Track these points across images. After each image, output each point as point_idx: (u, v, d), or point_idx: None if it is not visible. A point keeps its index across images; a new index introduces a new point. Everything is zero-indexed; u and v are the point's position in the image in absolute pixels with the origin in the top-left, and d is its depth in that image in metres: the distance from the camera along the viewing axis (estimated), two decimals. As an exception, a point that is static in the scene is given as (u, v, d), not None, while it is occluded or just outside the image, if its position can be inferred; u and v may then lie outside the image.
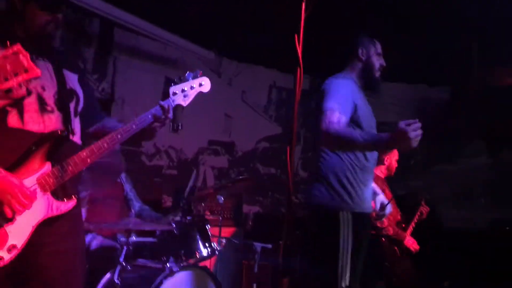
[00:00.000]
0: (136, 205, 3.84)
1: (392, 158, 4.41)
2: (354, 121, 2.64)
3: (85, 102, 2.06)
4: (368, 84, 2.81)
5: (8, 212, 1.68)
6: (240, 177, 5.10)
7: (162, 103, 2.06)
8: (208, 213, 4.40)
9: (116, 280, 2.97)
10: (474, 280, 4.59)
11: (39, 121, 1.83)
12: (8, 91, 1.77)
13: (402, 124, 2.21)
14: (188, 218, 3.54)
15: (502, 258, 4.47)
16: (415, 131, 2.24)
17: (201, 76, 2.21)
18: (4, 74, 1.50)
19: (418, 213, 4.33)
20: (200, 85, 2.19)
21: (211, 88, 2.28)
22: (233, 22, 5.04)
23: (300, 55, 1.61)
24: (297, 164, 6.62)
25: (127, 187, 4.01)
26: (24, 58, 1.51)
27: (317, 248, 2.71)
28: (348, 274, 2.53)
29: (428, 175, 6.31)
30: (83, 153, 1.86)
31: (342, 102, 2.58)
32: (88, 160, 1.86)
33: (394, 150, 4.40)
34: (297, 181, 6.55)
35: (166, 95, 2.12)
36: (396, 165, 4.43)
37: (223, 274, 4.47)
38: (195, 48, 5.71)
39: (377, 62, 2.84)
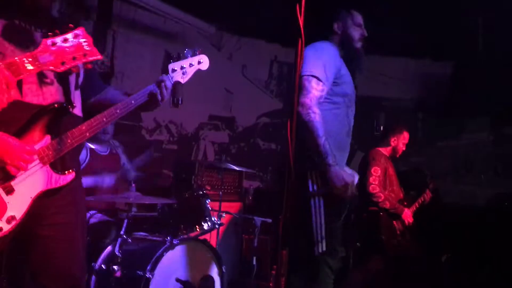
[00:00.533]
0: (133, 174, 3.89)
1: (400, 141, 4.38)
2: (338, 87, 2.66)
3: (85, 74, 2.03)
4: (347, 56, 2.77)
5: (11, 170, 1.68)
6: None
7: (160, 79, 2.06)
8: (209, 188, 4.41)
9: (117, 253, 3.00)
10: (473, 254, 4.62)
11: (38, 93, 1.81)
12: (29, 49, 1.77)
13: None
14: (188, 192, 3.55)
15: (503, 233, 4.50)
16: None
17: (200, 53, 2.23)
18: (61, 58, 1.52)
19: (422, 198, 4.33)
20: (199, 62, 2.20)
21: (211, 63, 2.29)
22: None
23: (301, 25, 1.57)
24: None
25: (123, 158, 4.04)
26: (86, 41, 1.54)
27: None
28: (323, 239, 2.51)
29: (431, 151, 6.30)
30: (83, 127, 1.85)
31: (327, 66, 2.58)
32: (87, 134, 1.86)
33: (404, 133, 4.38)
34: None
35: (165, 72, 2.13)
36: (404, 148, 4.41)
37: (224, 247, 4.51)
38: (196, 22, 5.64)
39: (356, 33, 2.81)
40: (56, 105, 1.80)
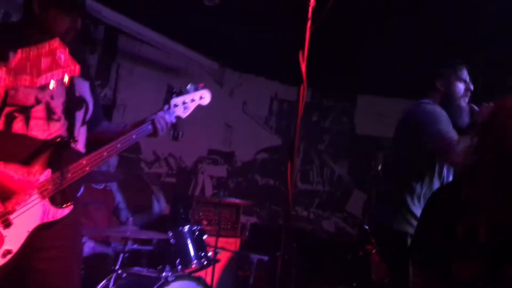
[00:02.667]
0: (126, 215, 3.86)
1: None
2: None
3: (94, 109, 2.06)
4: (450, 114, 2.59)
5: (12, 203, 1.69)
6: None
7: (160, 115, 2.10)
8: (206, 223, 4.39)
9: (111, 287, 2.96)
10: None
11: (44, 129, 1.84)
12: (42, 87, 1.79)
13: None
14: (185, 227, 3.53)
15: None
16: None
17: (202, 88, 2.27)
18: (38, 70, 1.48)
19: None
20: (201, 98, 2.26)
21: (213, 98, 2.33)
22: (236, 34, 5.07)
23: (304, 72, 1.62)
24: (296, 176, 6.62)
25: (119, 196, 4.02)
26: (62, 53, 1.51)
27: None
28: None
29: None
30: (83, 161, 1.87)
31: (448, 125, 2.49)
32: (87, 168, 1.87)
33: None
34: (296, 194, 6.55)
35: (167, 105, 2.16)
36: None
37: (219, 284, 4.45)
38: (199, 58, 5.74)
39: (460, 88, 2.69)
40: (58, 139, 1.83)
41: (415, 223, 2.48)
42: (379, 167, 6.60)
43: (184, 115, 2.20)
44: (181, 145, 5.34)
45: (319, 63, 5.01)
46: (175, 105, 2.17)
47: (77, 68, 1.55)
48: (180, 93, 2.22)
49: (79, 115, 1.98)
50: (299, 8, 1.86)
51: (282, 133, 6.59)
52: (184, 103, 2.19)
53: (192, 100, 2.21)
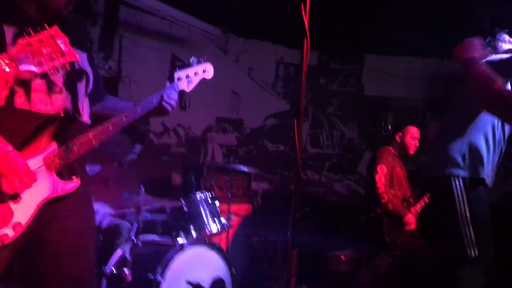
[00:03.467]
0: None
1: (407, 136, 4.30)
2: None
3: (94, 81, 2.05)
4: None
5: (8, 188, 1.69)
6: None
7: (166, 90, 2.10)
8: (217, 190, 4.42)
9: (127, 256, 3.01)
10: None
11: (46, 102, 1.82)
12: (44, 75, 1.78)
13: None
14: (197, 194, 3.55)
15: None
16: None
17: (205, 61, 2.26)
18: (38, 58, 1.48)
19: (424, 199, 4.22)
20: (204, 71, 2.24)
21: (218, 66, 2.32)
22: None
23: (306, 24, 1.57)
24: (305, 140, 6.60)
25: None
26: (62, 41, 1.50)
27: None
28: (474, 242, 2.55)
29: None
30: (89, 135, 1.85)
31: None
32: (94, 142, 1.86)
33: (408, 128, 4.32)
34: (306, 157, 6.54)
35: (170, 80, 2.15)
36: (414, 143, 4.33)
37: (234, 250, 4.51)
38: (201, 25, 5.65)
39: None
40: (62, 113, 1.82)
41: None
42: (389, 127, 6.54)
43: (188, 88, 2.20)
44: (189, 114, 5.32)
45: (324, 24, 4.91)
46: (179, 79, 2.17)
47: (77, 56, 1.56)
48: (183, 66, 2.21)
49: (81, 87, 1.96)
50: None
51: (290, 98, 6.54)
52: (187, 76, 2.18)
53: (196, 74, 2.21)
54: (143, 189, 3.34)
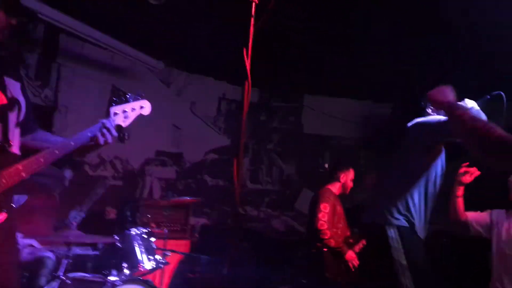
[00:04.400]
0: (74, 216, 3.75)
1: (348, 177, 4.49)
2: None
3: (26, 112, 1.99)
4: None
5: None
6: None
7: (101, 124, 2.07)
8: (154, 225, 4.31)
9: (54, 295, 2.85)
10: None
11: None
12: None
13: None
14: (132, 230, 3.45)
15: (438, 269, 4.65)
16: None
17: (143, 98, 2.27)
18: None
19: (361, 243, 4.33)
20: (141, 107, 2.24)
21: (160, 99, 2.32)
22: (183, 33, 5.02)
23: (248, 68, 1.63)
24: (245, 175, 6.64)
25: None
26: None
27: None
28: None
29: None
30: (19, 166, 1.78)
31: None
32: (23, 174, 1.79)
33: (350, 170, 4.52)
34: (245, 193, 6.56)
35: (107, 114, 2.14)
36: (352, 185, 4.52)
37: (171, 287, 4.39)
38: (144, 58, 5.64)
39: None
40: None
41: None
42: (326, 165, 6.75)
43: (124, 124, 2.18)
44: (127, 147, 5.21)
45: (266, 64, 5.06)
46: (115, 113, 2.16)
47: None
48: (120, 101, 2.21)
49: (12, 116, 1.89)
50: (243, 6, 1.87)
51: (231, 133, 6.59)
52: (124, 111, 2.18)
53: (133, 109, 2.21)
54: (74, 223, 3.21)
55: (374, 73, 5.56)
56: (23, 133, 2.01)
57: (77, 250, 3.44)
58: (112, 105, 2.18)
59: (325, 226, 4.12)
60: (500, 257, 3.23)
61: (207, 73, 6.32)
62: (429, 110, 2.85)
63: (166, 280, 4.34)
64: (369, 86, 6.10)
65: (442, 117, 2.62)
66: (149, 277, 3.73)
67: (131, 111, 2.19)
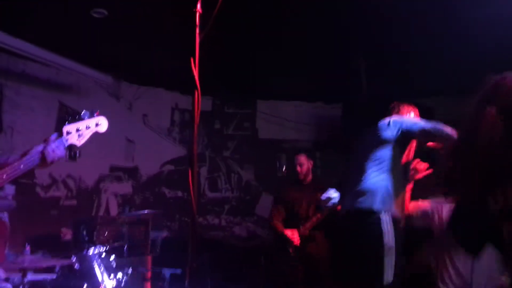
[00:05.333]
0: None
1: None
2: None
3: None
4: None
5: None
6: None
7: (50, 144, 2.00)
8: (113, 243, 4.20)
9: (10, 326, 2.73)
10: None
11: None
12: None
13: None
14: (90, 249, 3.36)
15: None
16: None
17: (98, 115, 2.22)
18: None
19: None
20: (97, 125, 2.19)
21: (110, 113, 2.28)
22: (130, 46, 4.95)
23: (196, 78, 1.63)
24: (203, 184, 6.60)
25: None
26: None
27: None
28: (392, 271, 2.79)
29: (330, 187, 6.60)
30: None
31: None
32: None
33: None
34: (205, 202, 6.52)
35: (59, 134, 2.08)
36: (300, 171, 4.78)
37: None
38: (91, 73, 5.51)
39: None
40: None
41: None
42: (283, 169, 6.81)
43: (79, 142, 2.13)
44: (79, 164, 5.08)
45: (216, 71, 5.06)
46: (68, 132, 2.10)
47: None
48: (74, 119, 2.15)
49: None
50: (188, 16, 1.87)
51: (186, 143, 6.54)
52: (78, 130, 2.12)
53: (87, 127, 2.15)
54: (28, 248, 3.09)
55: (324, 74, 5.67)
56: None
57: (34, 276, 3.30)
58: (65, 124, 2.12)
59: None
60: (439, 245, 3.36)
61: (158, 84, 6.26)
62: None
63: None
64: (319, 87, 6.22)
65: (418, 122, 3.04)
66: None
67: (85, 129, 2.14)
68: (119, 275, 3.41)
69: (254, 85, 6.36)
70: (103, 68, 5.58)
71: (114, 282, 3.32)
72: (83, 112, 2.18)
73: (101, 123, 2.20)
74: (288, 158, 6.74)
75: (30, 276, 3.13)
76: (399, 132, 3.01)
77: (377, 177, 2.99)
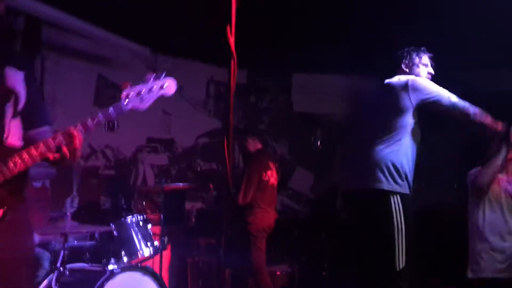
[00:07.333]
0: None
1: None
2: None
3: (29, 101, 1.92)
4: None
5: None
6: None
7: (109, 109, 1.89)
8: (149, 212, 4.32)
9: (54, 287, 2.85)
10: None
11: None
12: None
13: None
14: (128, 218, 3.45)
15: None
16: None
17: (165, 77, 2.02)
18: None
19: None
20: (162, 87, 1.99)
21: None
22: (167, 17, 4.95)
23: (232, 45, 1.60)
24: (238, 156, 6.64)
25: None
26: None
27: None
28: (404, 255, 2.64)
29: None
30: (14, 160, 1.74)
31: None
32: (16, 168, 1.75)
33: None
34: (238, 174, 6.56)
35: (115, 99, 1.94)
36: None
37: (168, 272, 4.41)
38: (129, 45, 5.56)
39: (423, 72, 2.94)
40: None
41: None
42: (318, 143, 6.75)
43: (143, 106, 1.95)
44: (117, 135, 5.18)
45: (252, 43, 5.00)
46: (127, 96, 1.93)
47: None
48: (136, 83, 1.97)
49: (8, 107, 1.85)
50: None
51: (221, 116, 6.56)
52: (139, 93, 1.94)
53: (150, 91, 1.95)
54: (69, 214, 3.20)
55: (361, 45, 5.52)
56: (27, 126, 1.93)
57: (74, 241, 3.44)
58: (128, 87, 1.96)
59: None
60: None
61: (194, 56, 6.26)
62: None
63: (165, 265, 4.36)
64: (357, 61, 6.07)
65: (448, 93, 2.72)
66: (148, 263, 3.75)
67: (147, 92, 1.95)
68: (156, 242, 3.49)
69: (290, 58, 6.26)
70: (140, 41, 5.61)
71: (151, 249, 3.40)
72: (148, 75, 2.00)
73: (167, 86, 2.00)
74: (323, 133, 6.67)
75: (71, 242, 3.25)
76: (420, 102, 2.70)
77: (385, 150, 2.71)
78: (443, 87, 2.79)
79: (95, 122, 1.86)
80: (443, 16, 4.59)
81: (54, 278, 2.89)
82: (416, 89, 2.72)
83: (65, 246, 3.06)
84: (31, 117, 1.95)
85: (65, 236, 3.09)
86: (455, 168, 4.63)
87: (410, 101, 2.71)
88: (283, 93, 6.85)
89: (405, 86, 2.74)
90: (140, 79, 2.14)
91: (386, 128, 2.75)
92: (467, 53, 5.29)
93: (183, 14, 4.87)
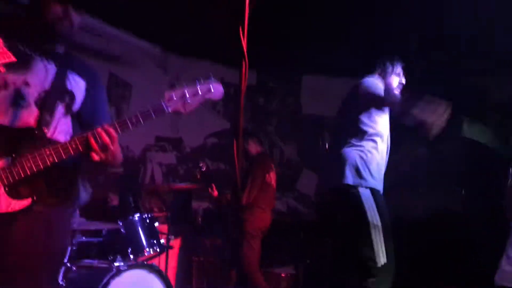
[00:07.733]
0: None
1: None
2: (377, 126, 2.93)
3: (88, 100, 1.97)
4: None
5: None
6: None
7: (148, 108, 1.89)
8: (156, 210, 4.33)
9: (61, 282, 2.88)
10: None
11: (7, 114, 1.76)
12: (15, 89, 1.76)
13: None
14: (135, 216, 3.47)
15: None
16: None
17: (212, 81, 2.00)
18: None
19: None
20: (209, 91, 1.96)
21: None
22: (179, 16, 4.97)
23: (244, 46, 1.61)
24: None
25: None
26: None
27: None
28: (384, 251, 2.66)
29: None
30: (47, 151, 1.75)
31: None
32: (51, 159, 1.75)
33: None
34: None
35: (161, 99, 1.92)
36: None
37: (173, 271, 4.43)
38: (140, 43, 5.59)
39: (394, 81, 3.11)
40: (21, 128, 1.76)
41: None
42: (326, 146, 6.74)
43: (184, 110, 1.93)
44: (127, 134, 5.20)
45: (262, 45, 5.01)
46: (170, 98, 1.90)
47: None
48: (181, 86, 1.93)
49: (60, 106, 1.88)
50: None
51: (230, 117, 6.58)
52: (183, 96, 1.90)
53: (195, 94, 1.92)
54: (77, 211, 3.22)
55: (372, 50, 5.51)
56: (81, 127, 1.95)
57: (82, 238, 3.45)
58: (173, 89, 1.92)
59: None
60: None
61: (204, 56, 6.28)
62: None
63: (171, 263, 4.38)
64: (366, 64, 6.05)
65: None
66: (154, 261, 3.77)
67: (192, 95, 1.91)
68: (162, 241, 3.51)
69: (299, 60, 6.27)
70: (151, 39, 5.64)
71: (157, 247, 3.42)
72: (197, 78, 1.96)
73: (214, 89, 1.96)
74: (331, 135, 6.66)
75: (78, 238, 3.27)
76: (366, 101, 2.84)
77: (350, 147, 2.81)
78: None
79: (135, 122, 1.90)
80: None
81: (61, 274, 2.91)
82: (362, 89, 2.87)
83: (73, 242, 3.08)
84: (84, 120, 1.97)
85: (72, 232, 3.11)
86: (460, 174, 4.61)
87: (360, 102, 2.86)
88: (292, 95, 6.85)
89: (357, 87, 2.91)
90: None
91: (351, 127, 2.88)
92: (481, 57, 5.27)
93: (194, 14, 4.89)
